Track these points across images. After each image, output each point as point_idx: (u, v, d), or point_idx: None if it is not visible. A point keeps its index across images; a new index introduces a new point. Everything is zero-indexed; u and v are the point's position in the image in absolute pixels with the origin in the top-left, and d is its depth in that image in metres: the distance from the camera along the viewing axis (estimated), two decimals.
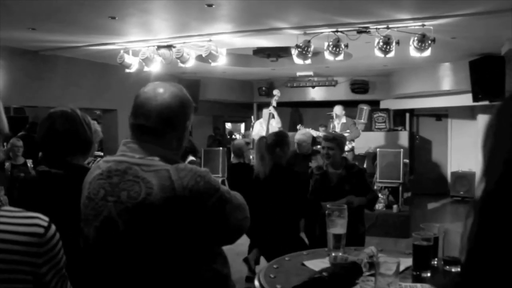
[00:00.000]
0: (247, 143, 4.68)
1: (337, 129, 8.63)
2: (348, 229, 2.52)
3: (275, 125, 9.22)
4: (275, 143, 3.95)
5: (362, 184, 3.97)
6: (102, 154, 7.02)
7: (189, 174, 1.52)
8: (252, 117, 10.98)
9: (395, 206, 7.67)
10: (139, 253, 1.51)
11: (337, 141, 3.98)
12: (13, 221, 1.11)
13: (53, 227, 1.17)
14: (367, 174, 4.27)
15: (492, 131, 0.69)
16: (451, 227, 2.27)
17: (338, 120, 8.85)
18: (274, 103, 9.35)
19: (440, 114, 11.30)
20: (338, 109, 8.88)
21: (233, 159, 4.68)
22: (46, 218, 1.17)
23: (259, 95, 11.19)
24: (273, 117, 9.24)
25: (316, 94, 11.24)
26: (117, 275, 1.56)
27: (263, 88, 10.84)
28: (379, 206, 7.33)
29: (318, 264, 2.31)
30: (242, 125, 13.46)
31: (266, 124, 9.19)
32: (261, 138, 4.06)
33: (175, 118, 1.63)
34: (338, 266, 2.10)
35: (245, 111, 12.68)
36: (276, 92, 9.54)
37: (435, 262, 2.28)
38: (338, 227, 2.49)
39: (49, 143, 2.03)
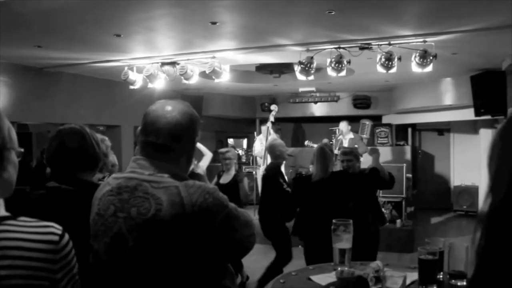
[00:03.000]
0: None
1: (346, 145, 8.65)
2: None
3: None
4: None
5: (374, 177, 4.49)
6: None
7: (198, 191, 1.54)
8: (255, 132, 11.02)
9: (398, 221, 7.67)
10: (149, 268, 1.52)
11: (353, 153, 4.70)
12: (29, 230, 1.17)
13: (67, 236, 1.23)
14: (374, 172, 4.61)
15: (497, 150, 0.72)
16: (455, 241, 2.28)
17: (344, 136, 8.86)
18: (272, 119, 9.37)
19: (442, 129, 11.32)
20: (343, 126, 8.89)
21: None
22: (60, 227, 1.23)
23: (261, 111, 11.23)
24: (270, 134, 9.26)
25: (318, 109, 11.28)
26: None
27: (266, 104, 10.88)
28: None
29: (324, 278, 2.32)
30: (245, 141, 13.47)
31: (265, 141, 9.20)
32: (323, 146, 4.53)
33: (185, 135, 1.66)
34: (345, 281, 2.11)
35: (247, 127, 12.71)
36: (273, 107, 9.55)
37: (441, 276, 2.29)
38: (344, 241, 2.50)
39: (59, 160, 2.07)
